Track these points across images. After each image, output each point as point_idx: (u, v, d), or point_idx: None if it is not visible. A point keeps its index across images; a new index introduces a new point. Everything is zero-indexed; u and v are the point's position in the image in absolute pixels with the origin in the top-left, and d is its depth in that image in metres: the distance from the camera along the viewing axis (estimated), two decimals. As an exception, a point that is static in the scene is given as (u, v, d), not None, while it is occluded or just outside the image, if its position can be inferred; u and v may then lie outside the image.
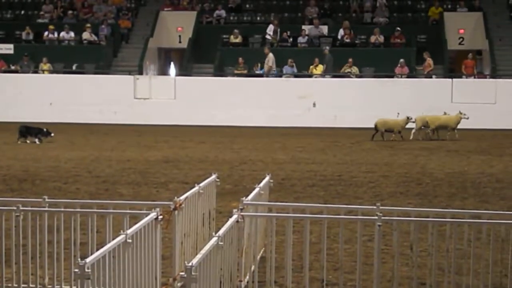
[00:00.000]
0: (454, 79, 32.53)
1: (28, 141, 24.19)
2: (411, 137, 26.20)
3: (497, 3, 37.71)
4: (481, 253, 7.97)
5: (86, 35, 35.97)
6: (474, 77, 33.83)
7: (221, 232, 6.90)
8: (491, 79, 33.11)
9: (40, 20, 37.63)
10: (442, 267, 8.27)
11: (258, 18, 38.18)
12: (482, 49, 36.37)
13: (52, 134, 24.53)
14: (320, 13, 37.46)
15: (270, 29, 35.79)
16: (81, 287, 5.55)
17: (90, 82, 33.50)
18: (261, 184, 9.55)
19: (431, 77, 33.20)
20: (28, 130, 24.62)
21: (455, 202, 14.35)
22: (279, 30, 35.98)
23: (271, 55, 33.91)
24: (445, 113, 26.85)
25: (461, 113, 26.60)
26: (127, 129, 29.63)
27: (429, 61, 33.28)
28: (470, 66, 34.09)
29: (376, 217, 7.67)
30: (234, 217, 7.57)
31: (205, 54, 35.80)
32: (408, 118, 26.31)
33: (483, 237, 7.87)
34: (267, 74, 33.85)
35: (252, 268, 8.24)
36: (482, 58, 36.92)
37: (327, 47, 34.30)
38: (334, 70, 33.56)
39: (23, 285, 8.37)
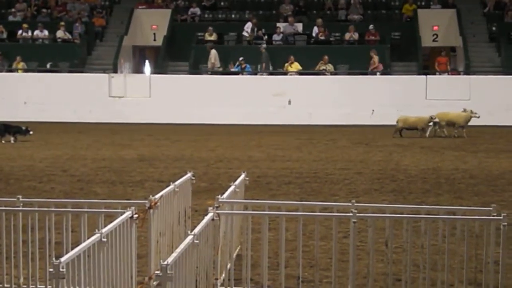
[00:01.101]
0: (428, 76, 32.70)
1: (3, 141, 24.01)
2: (427, 135, 26.19)
3: (470, 0, 37.96)
4: (455, 249, 8.03)
5: (60, 34, 35.79)
6: (448, 74, 34.04)
7: (196, 230, 6.90)
8: (465, 76, 33.32)
9: (13, 19, 37.38)
10: (417, 263, 8.32)
11: (233, 16, 38.17)
12: (456, 46, 36.60)
13: (31, 132, 24.36)
14: (295, 10, 37.52)
15: (248, 26, 35.80)
16: (56, 287, 5.52)
17: (64, 80, 33.35)
18: (237, 182, 9.55)
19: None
20: (6, 129, 24.42)
21: (429, 198, 14.43)
22: (255, 28, 36.01)
23: (213, 51, 34.11)
24: (464, 110, 26.57)
25: (472, 112, 26.42)
26: (102, 128, 29.52)
27: (375, 58, 33.43)
28: (443, 63, 34.30)
29: (351, 214, 7.70)
30: (210, 215, 7.57)
31: (180, 52, 35.74)
32: (431, 117, 26.20)
33: (458, 233, 7.92)
34: (210, 71, 33.90)
35: (228, 266, 8.24)
36: (456, 55, 37.15)
37: (264, 45, 34.46)
38: (308, 67, 33.61)
39: (-3, 285, 8.32)
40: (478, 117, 26.29)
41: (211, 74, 33.76)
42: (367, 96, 31.79)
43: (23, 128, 24.40)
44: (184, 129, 29.18)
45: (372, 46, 34.81)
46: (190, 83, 33.17)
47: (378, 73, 33.34)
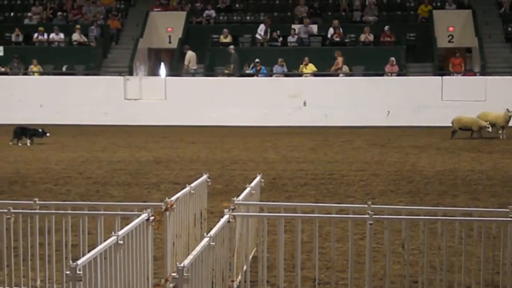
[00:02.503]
0: (444, 77, 32.59)
1: (20, 144, 24.08)
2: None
3: (486, 0, 37.80)
4: (472, 251, 8.00)
5: (75, 37, 35.90)
6: (462, 75, 33.91)
7: (212, 232, 6.90)
8: (481, 77, 33.18)
9: (29, 22, 37.53)
10: (434, 265, 8.29)
11: (248, 18, 38.18)
12: (472, 47, 36.45)
13: (48, 134, 24.46)
14: (309, 12, 37.48)
15: (261, 28, 35.81)
16: (72, 289, 5.54)
17: (80, 83, 33.44)
18: (252, 184, 9.55)
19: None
20: (23, 132, 24.51)
21: (446, 199, 14.38)
22: (268, 30, 36.01)
23: (189, 53, 34.22)
24: (508, 110, 26.21)
25: (508, 111, 26.08)
26: (118, 130, 29.59)
27: (339, 59, 33.37)
28: (457, 64, 34.18)
29: (367, 216, 7.68)
30: (226, 217, 7.57)
31: (195, 54, 35.76)
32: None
33: (475, 234, 7.89)
34: (185, 73, 33.93)
35: (244, 268, 8.24)
36: (471, 55, 37.00)
37: (232, 46, 34.48)
38: (322, 69, 33.56)
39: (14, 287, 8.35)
40: None
41: (227, 76, 33.79)
42: (383, 97, 31.71)
43: (40, 130, 24.49)
44: (200, 131, 29.22)
45: (387, 48, 34.76)
46: (205, 85, 33.19)
47: (341, 75, 33.26)
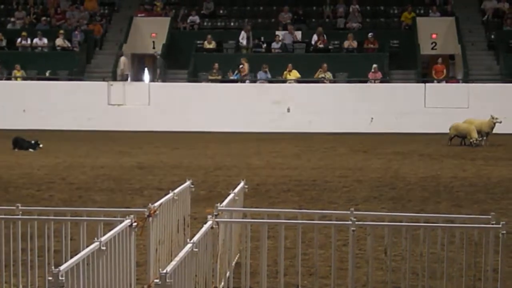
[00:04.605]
0: (427, 84, 32.72)
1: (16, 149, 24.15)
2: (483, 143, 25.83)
3: (469, 8, 38.01)
4: (454, 257, 8.03)
5: (59, 42, 35.80)
6: (445, 82, 34.06)
7: (195, 238, 6.90)
8: (463, 84, 33.34)
9: (12, 27, 37.41)
10: (416, 271, 8.33)
11: (232, 24, 38.20)
12: (455, 54, 36.63)
13: (41, 145, 24.46)
14: (293, 18, 37.55)
15: (243, 36, 35.87)
16: (55, 295, 5.53)
17: (63, 88, 33.33)
18: (236, 190, 9.56)
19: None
20: (17, 145, 24.41)
21: (428, 206, 14.43)
22: (251, 35, 36.03)
23: (122, 58, 34.32)
24: (492, 117, 26.05)
25: (492, 117, 26.03)
26: (101, 136, 29.51)
27: (245, 66, 33.57)
28: (440, 70, 34.35)
29: (350, 222, 7.70)
30: (209, 223, 7.57)
31: (179, 60, 35.76)
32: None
33: (457, 241, 7.93)
34: (120, 78, 33.95)
35: (227, 274, 8.24)
36: (454, 62, 37.18)
37: (158, 52, 34.58)
38: (306, 76, 33.64)
39: (-4, 294, 8.32)
40: (500, 122, 25.96)
41: (211, 82, 33.80)
42: (366, 104, 31.80)
43: (33, 142, 24.45)
44: (183, 137, 29.19)
45: (371, 54, 34.88)
46: (189, 91, 33.18)
47: (259, 81, 33.45)
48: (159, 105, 32.53)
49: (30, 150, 24.08)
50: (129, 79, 34.59)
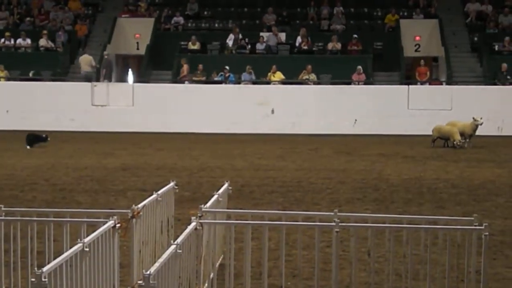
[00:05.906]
0: (410, 86, 32.82)
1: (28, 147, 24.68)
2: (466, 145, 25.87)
3: (453, 10, 38.17)
4: (437, 259, 8.06)
5: (43, 42, 35.68)
6: (429, 84, 34.18)
7: (179, 240, 6.89)
8: (447, 86, 33.47)
9: (-5, 27, 37.27)
10: (400, 273, 8.35)
11: (216, 25, 38.19)
12: (438, 56, 36.77)
13: (49, 139, 25.49)
14: (278, 20, 37.60)
15: (231, 38, 35.88)
16: (38, 297, 5.51)
17: (47, 89, 33.20)
18: (220, 191, 9.56)
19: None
20: (32, 141, 25.14)
21: (411, 207, 14.48)
22: (239, 37, 36.05)
23: (81, 57, 34.24)
24: (474, 119, 25.93)
25: (474, 119, 25.99)
26: (85, 136, 29.42)
27: (185, 67, 33.72)
28: (423, 72, 34.48)
29: (333, 223, 7.72)
30: (193, 224, 7.57)
31: (163, 61, 35.71)
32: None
33: (440, 242, 7.96)
34: (85, 78, 33.95)
35: (211, 275, 8.23)
36: (438, 65, 37.32)
37: (107, 52, 34.61)
38: (290, 77, 33.68)
39: (-21, 295, 8.28)
40: (481, 123, 26.04)
41: (195, 83, 33.77)
42: (350, 105, 31.86)
43: (43, 136, 25.55)
44: (167, 138, 29.15)
45: (355, 56, 34.96)
46: (173, 91, 33.13)
47: (186, 82, 33.62)
48: (143, 106, 32.47)
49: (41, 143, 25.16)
50: (95, 77, 34.28)
